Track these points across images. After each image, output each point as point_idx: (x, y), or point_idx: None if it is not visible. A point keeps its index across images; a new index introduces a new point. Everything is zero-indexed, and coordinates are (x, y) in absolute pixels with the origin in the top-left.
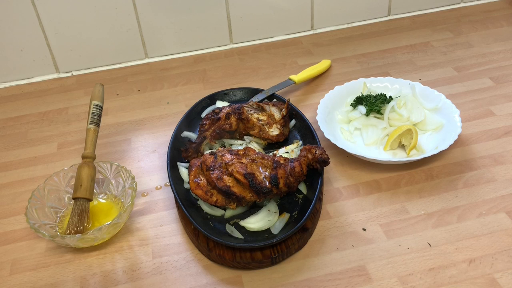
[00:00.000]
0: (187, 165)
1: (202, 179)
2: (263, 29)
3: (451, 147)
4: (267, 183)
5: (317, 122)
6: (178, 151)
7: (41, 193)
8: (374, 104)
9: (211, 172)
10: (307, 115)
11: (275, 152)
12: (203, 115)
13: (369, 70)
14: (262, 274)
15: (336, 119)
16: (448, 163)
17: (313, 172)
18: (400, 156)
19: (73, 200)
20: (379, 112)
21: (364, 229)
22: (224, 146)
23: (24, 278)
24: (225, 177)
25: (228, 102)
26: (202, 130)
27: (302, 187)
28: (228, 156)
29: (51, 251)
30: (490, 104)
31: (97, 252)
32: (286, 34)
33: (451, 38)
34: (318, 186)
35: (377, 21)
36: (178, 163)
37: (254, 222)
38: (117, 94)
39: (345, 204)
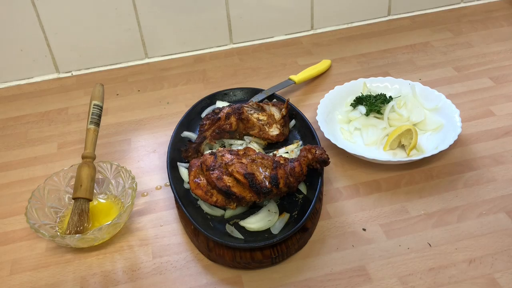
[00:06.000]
0: (187, 165)
1: (202, 179)
2: (263, 29)
3: (451, 147)
4: (267, 183)
5: (317, 122)
6: (178, 151)
7: (41, 193)
8: (374, 104)
9: (211, 172)
10: (307, 115)
11: (275, 152)
12: (203, 115)
13: (369, 70)
14: (262, 274)
15: (336, 119)
16: (448, 163)
17: (313, 172)
18: (400, 156)
19: (73, 200)
20: (379, 112)
21: (364, 229)
22: (224, 146)
23: (24, 278)
24: (225, 177)
25: (228, 102)
26: (202, 130)
27: (302, 187)
28: (228, 156)
29: (51, 251)
30: (490, 104)
31: (97, 252)
32: (286, 34)
33: (451, 38)
34: (318, 186)
35: (377, 21)
36: (178, 163)
37: (254, 222)
38: (117, 94)
39: (345, 204)
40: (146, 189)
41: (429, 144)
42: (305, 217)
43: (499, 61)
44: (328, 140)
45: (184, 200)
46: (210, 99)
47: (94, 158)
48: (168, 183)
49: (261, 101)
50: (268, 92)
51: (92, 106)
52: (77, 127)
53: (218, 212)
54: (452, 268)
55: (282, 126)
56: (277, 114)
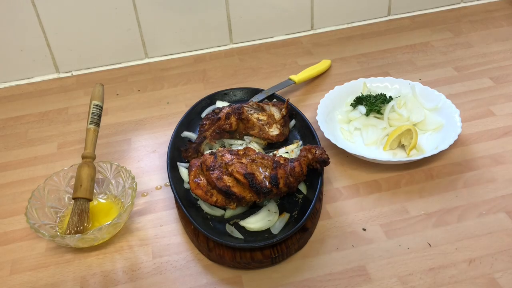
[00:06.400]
0: (187, 165)
1: (202, 179)
2: (263, 29)
3: (451, 147)
4: (267, 183)
5: (317, 122)
6: (178, 151)
7: (41, 193)
8: (374, 104)
9: (211, 172)
10: (307, 115)
11: (275, 152)
12: (203, 115)
13: (369, 70)
14: (262, 274)
15: (336, 119)
16: (448, 163)
17: (313, 172)
18: (400, 156)
19: (73, 200)
20: (379, 112)
21: (364, 229)
22: (224, 146)
23: (24, 278)
24: (225, 177)
25: (228, 102)
26: (202, 130)
27: (302, 187)
28: (228, 156)
29: (51, 251)
30: (490, 104)
31: (97, 252)
32: (286, 34)
33: (451, 38)
34: (318, 186)
35: (377, 21)
36: (178, 163)
37: (254, 222)
38: (117, 94)
39: (345, 204)
40: (146, 189)
41: (429, 144)
42: (305, 217)
43: (499, 61)
44: (328, 140)
45: (184, 200)
46: (210, 99)
47: (94, 158)
48: (168, 183)
49: (261, 101)
50: (268, 92)
51: (92, 106)
52: (77, 127)
53: (218, 212)
54: (452, 268)
55: (282, 126)
56: (277, 114)
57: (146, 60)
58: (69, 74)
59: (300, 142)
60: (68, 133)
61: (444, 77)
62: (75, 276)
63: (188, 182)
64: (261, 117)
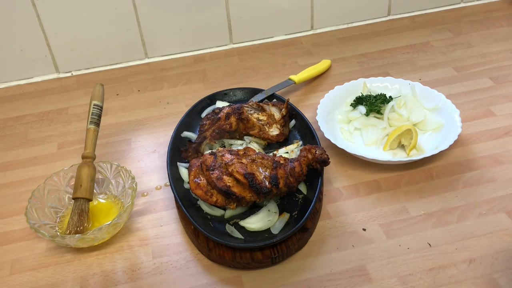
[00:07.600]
0: (187, 165)
1: (202, 179)
2: (263, 29)
3: (451, 147)
4: (267, 183)
5: (317, 122)
6: (178, 151)
7: (41, 193)
8: (374, 104)
9: (211, 172)
10: (307, 115)
11: (275, 152)
12: (203, 115)
13: (369, 70)
14: (262, 274)
15: (336, 119)
16: (448, 163)
17: (313, 172)
18: (400, 156)
19: (73, 200)
20: (379, 112)
21: (364, 229)
22: (224, 146)
23: (24, 278)
24: (225, 177)
25: (228, 102)
26: (202, 130)
27: (302, 187)
28: (228, 156)
29: (51, 251)
30: (490, 104)
31: (97, 252)
32: (286, 34)
33: (451, 38)
34: (318, 186)
35: (377, 21)
36: (178, 163)
37: (254, 222)
38: (117, 94)
39: (345, 204)
40: (146, 189)
41: (429, 144)
42: (305, 217)
43: (499, 61)
44: (328, 140)
45: (184, 200)
46: (210, 99)
47: (94, 158)
48: (168, 183)
49: (261, 101)
50: (268, 92)
51: (92, 106)
52: (77, 127)
53: (218, 212)
54: (452, 268)
55: (282, 126)
56: (277, 114)
57: (146, 60)
58: (69, 74)
59: (300, 142)
60: (68, 133)
61: (444, 77)
62: (75, 276)
63: (188, 182)
64: (261, 117)
